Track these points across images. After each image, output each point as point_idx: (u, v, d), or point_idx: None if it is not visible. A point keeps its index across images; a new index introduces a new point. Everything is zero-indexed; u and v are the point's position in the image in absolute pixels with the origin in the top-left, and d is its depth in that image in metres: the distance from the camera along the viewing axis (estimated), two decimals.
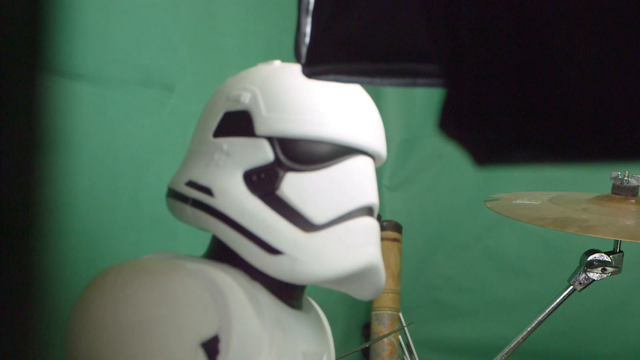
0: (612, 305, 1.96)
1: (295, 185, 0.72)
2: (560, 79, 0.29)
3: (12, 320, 0.26)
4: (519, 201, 1.23)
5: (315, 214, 0.72)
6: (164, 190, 0.80)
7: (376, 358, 1.97)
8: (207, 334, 0.67)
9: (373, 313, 2.00)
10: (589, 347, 1.98)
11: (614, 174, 1.17)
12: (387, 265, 1.96)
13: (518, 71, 0.30)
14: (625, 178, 1.15)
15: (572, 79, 0.28)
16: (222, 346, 0.69)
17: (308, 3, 0.51)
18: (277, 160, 0.72)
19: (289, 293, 0.77)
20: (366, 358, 2.04)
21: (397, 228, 2.01)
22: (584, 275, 1.14)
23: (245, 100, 0.74)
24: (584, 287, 1.15)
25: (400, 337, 1.99)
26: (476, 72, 0.32)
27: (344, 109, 0.74)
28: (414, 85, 0.48)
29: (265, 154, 0.72)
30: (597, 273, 1.15)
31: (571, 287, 1.16)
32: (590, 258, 1.14)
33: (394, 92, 2.15)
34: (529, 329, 1.20)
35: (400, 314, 1.98)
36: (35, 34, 0.28)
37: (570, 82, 0.28)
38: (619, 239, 1.13)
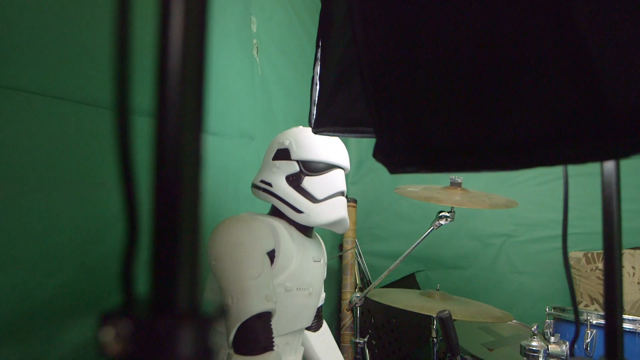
0: None
1: (309, 182, 0.95)
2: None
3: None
4: (411, 189, 1.59)
5: (318, 195, 0.94)
6: (246, 191, 1.06)
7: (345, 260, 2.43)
8: (269, 248, 0.83)
9: (344, 239, 2.50)
10: None
11: (452, 177, 1.56)
12: (350, 218, 2.36)
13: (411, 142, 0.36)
14: (457, 179, 1.56)
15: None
16: (276, 254, 0.88)
17: (313, 90, 0.63)
18: (301, 170, 0.95)
19: (306, 230, 1.03)
20: (340, 259, 2.50)
21: (354, 201, 2.53)
22: (437, 222, 1.49)
23: (286, 143, 0.98)
24: (438, 227, 1.50)
25: (356, 252, 2.49)
26: (391, 136, 0.40)
27: (330, 146, 0.96)
28: (363, 136, 0.62)
29: (295, 168, 0.94)
30: (443, 220, 1.49)
31: (431, 227, 1.50)
32: (441, 214, 1.50)
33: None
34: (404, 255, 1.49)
35: (356, 240, 2.53)
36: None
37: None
38: (453, 205, 1.48)
